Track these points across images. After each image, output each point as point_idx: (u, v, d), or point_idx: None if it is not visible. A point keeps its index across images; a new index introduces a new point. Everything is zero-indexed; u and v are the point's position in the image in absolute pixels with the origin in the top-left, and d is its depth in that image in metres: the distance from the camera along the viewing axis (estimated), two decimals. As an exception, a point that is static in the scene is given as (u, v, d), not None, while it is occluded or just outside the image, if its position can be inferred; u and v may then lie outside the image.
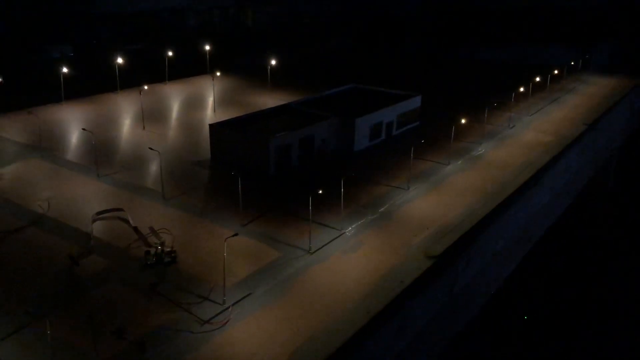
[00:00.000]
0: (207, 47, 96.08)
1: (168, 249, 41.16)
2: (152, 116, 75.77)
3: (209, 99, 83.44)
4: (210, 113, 78.25)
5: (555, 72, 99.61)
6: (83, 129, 62.31)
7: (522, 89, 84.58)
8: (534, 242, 63.53)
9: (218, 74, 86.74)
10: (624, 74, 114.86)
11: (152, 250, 40.90)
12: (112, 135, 67.83)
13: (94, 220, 45.46)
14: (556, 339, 71.24)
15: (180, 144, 65.44)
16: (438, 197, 53.66)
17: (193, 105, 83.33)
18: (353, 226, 46.59)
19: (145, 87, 70.44)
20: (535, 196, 60.45)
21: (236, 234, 38.18)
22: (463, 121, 64.34)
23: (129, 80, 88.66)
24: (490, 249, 51.46)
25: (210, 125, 59.58)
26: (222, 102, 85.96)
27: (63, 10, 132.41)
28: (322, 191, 43.68)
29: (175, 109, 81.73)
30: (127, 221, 45.82)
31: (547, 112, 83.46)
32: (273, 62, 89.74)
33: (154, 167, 57.55)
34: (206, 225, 46.17)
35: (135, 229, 44.64)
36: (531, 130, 74.78)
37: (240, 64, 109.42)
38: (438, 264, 42.13)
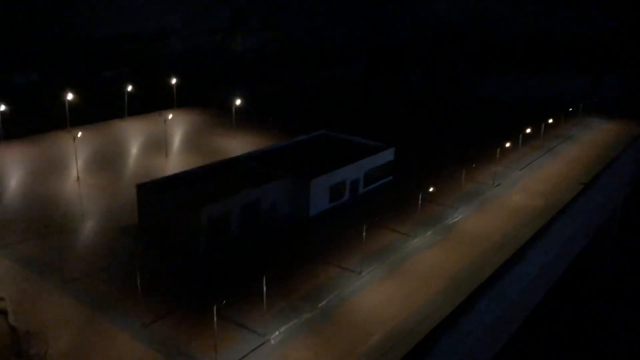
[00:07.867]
0: (174, 81, 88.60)
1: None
2: (95, 162, 68.04)
3: (168, 140, 74.75)
4: (162, 159, 70.12)
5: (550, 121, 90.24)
6: None
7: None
8: (513, 331, 54.55)
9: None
10: (633, 114, 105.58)
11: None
12: (34, 187, 59.76)
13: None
14: None
15: (112, 201, 57.06)
16: (396, 285, 45.06)
17: (147, 148, 75.17)
18: (281, 330, 38.06)
19: (79, 134, 62.04)
20: (516, 277, 51.63)
21: None
22: (432, 189, 56.63)
23: (90, 115, 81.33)
24: (452, 352, 42.65)
25: (139, 186, 51.05)
26: (182, 144, 77.98)
27: (37, 34, 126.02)
28: (258, 274, 37.45)
29: (123, 153, 73.39)
30: (5, 314, 37.57)
31: (539, 166, 74.56)
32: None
33: (73, 235, 49.60)
34: (99, 324, 37.77)
35: (14, 330, 36.31)
36: (518, 190, 65.94)
37: (217, 96, 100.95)
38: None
